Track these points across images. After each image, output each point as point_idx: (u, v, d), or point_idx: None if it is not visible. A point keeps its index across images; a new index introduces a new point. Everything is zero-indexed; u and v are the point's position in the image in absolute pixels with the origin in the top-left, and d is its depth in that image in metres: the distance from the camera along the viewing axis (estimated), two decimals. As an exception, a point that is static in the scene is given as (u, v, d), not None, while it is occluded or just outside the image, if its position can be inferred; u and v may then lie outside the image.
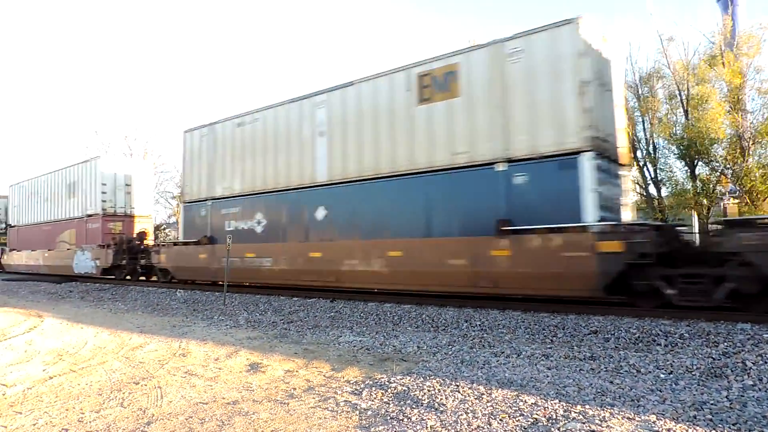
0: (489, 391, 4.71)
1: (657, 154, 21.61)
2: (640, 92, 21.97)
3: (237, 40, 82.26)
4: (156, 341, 7.82)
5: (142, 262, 18.57)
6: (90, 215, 20.44)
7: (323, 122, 12.55)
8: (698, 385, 4.74)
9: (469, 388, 4.82)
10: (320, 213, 12.36)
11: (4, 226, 28.22)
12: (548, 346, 6.67)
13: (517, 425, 3.86)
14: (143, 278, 19.17)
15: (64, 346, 7.71)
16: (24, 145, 72.14)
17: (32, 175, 25.63)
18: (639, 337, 6.80)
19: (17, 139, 73.52)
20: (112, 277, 19.72)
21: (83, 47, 75.97)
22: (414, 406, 4.36)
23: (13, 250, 26.29)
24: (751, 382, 4.69)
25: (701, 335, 6.60)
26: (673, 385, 4.74)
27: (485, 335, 7.52)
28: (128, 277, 19.15)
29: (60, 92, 74.76)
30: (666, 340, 6.55)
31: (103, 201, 20.15)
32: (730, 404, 4.17)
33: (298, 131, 13.08)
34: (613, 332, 7.11)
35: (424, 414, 4.16)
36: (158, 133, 60.66)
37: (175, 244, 16.65)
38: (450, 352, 6.47)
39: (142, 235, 19.88)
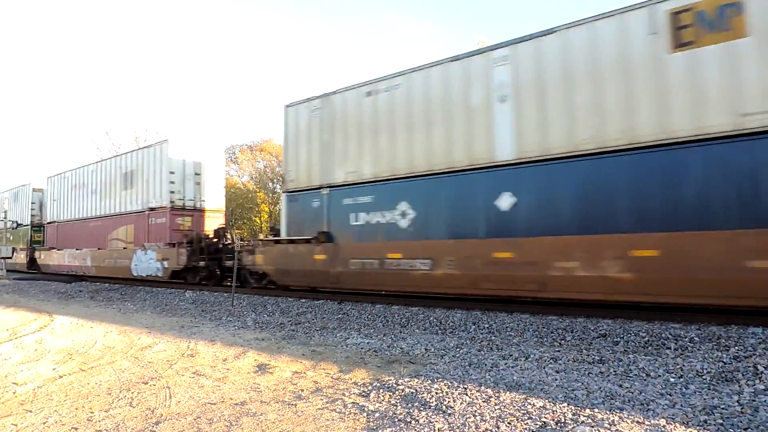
0: (497, 394, 4.69)
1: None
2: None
3: (240, 44, 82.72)
4: (164, 341, 7.87)
5: (228, 263, 15.49)
6: (153, 209, 17.72)
7: (505, 84, 9.70)
8: (709, 389, 4.70)
9: (477, 391, 4.81)
10: (505, 201, 9.51)
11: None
12: (557, 349, 6.63)
13: (526, 428, 3.84)
14: (214, 283, 16.45)
15: (74, 345, 7.77)
16: (32, 146, 72.88)
17: (73, 165, 23.45)
18: (648, 340, 6.75)
19: (25, 139, 74.29)
20: (182, 281, 16.79)
21: (91, 49, 76.79)
22: (422, 409, 4.36)
23: (52, 248, 23.75)
24: (763, 387, 4.64)
25: (712, 339, 6.54)
26: (683, 389, 4.70)
27: (493, 338, 7.50)
28: (203, 282, 16.33)
29: (70, 94, 75.54)
30: (676, 343, 6.49)
31: (171, 192, 17.20)
32: (741, 409, 4.12)
33: (463, 97, 10.23)
34: (622, 335, 7.06)
35: (432, 416, 4.16)
36: (168, 133, 61.02)
37: (277, 241, 13.58)
38: (458, 355, 6.46)
39: (220, 232, 17.01)
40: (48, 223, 24.78)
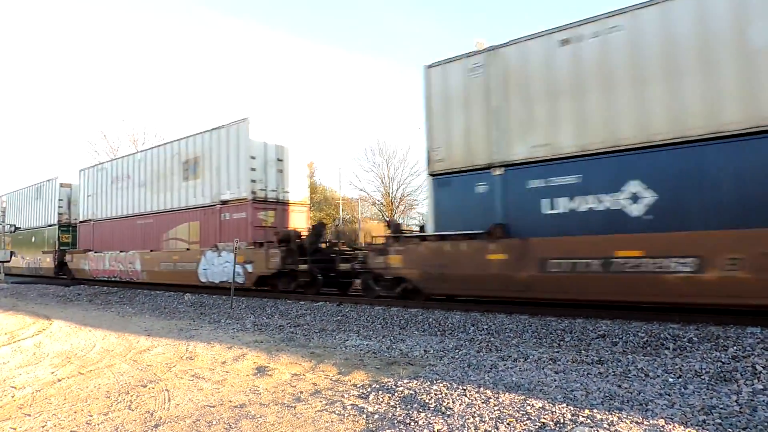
0: (496, 395, 4.70)
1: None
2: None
3: (236, 46, 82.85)
4: (163, 344, 7.86)
5: (343, 267, 12.96)
6: (226, 202, 14.95)
7: None
8: (707, 389, 4.70)
9: (476, 392, 4.81)
10: None
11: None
12: (556, 350, 6.64)
13: (525, 429, 3.84)
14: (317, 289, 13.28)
15: (73, 348, 7.76)
16: (27, 151, 72.65)
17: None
18: (647, 341, 6.76)
19: (19, 144, 74.06)
20: (267, 288, 14.17)
21: (84, 51, 76.76)
22: (421, 410, 4.36)
23: (88, 251, 20.92)
24: (761, 386, 4.65)
25: (710, 339, 6.55)
26: (682, 389, 4.71)
27: (492, 339, 7.50)
28: (300, 290, 13.44)
29: (65, 97, 75.48)
30: (674, 344, 6.51)
31: (252, 181, 14.34)
32: (740, 408, 4.13)
33: (734, 35, 7.63)
34: (621, 336, 7.07)
35: (431, 418, 4.16)
36: (167, 135, 60.86)
37: (422, 238, 10.72)
38: (457, 356, 6.46)
39: (320, 229, 14.19)
40: (81, 222, 21.88)
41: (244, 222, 14.42)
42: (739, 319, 7.32)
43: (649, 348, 6.47)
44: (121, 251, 18.94)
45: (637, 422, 3.89)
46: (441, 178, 10.64)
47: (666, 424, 3.84)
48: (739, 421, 3.86)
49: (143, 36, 77.73)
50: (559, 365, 5.79)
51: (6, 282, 23.49)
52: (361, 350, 7.07)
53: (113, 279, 19.37)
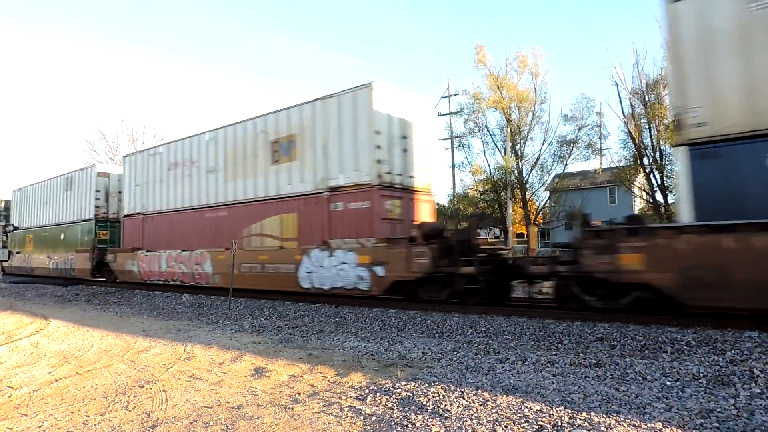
0: (494, 398, 4.69)
1: (664, 161, 21.63)
2: (646, 99, 22.03)
3: (233, 45, 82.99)
4: (161, 345, 7.85)
5: (538, 269, 9.85)
6: (336, 188, 12.15)
7: None
8: (705, 392, 4.70)
9: (474, 395, 4.81)
10: None
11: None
12: (553, 352, 6.63)
13: (522, 432, 3.84)
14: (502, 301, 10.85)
15: (70, 348, 7.75)
16: (24, 152, 72.44)
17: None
18: (645, 344, 6.76)
19: (17, 145, 73.90)
20: (400, 298, 11.27)
21: (82, 51, 76.81)
22: (418, 412, 4.35)
23: (136, 249, 18.29)
24: (759, 390, 4.65)
25: (708, 343, 6.56)
26: (680, 393, 4.70)
27: (490, 341, 7.50)
28: (454, 300, 10.47)
29: (62, 98, 75.46)
30: (672, 347, 6.51)
31: (378, 162, 11.54)
32: (738, 412, 4.13)
33: None
34: (619, 339, 7.07)
35: (429, 420, 4.15)
36: (166, 135, 60.75)
37: (679, 229, 7.81)
38: (455, 358, 6.45)
39: (480, 222, 11.74)
40: (126, 216, 19.31)
41: (367, 213, 11.50)
42: (737, 323, 7.31)
43: (646, 351, 6.47)
44: (183, 250, 16.09)
45: (634, 425, 3.88)
46: (703, 149, 7.97)
47: (663, 427, 3.84)
48: (737, 425, 3.86)
49: (144, 36, 77.82)
50: (556, 368, 5.79)
51: (4, 281, 23.46)
52: (359, 352, 7.07)
53: (172, 283, 16.55)
